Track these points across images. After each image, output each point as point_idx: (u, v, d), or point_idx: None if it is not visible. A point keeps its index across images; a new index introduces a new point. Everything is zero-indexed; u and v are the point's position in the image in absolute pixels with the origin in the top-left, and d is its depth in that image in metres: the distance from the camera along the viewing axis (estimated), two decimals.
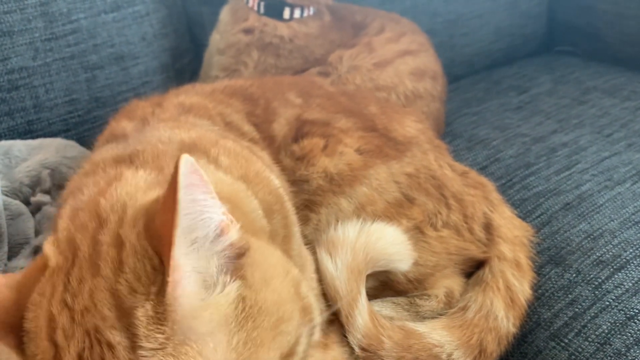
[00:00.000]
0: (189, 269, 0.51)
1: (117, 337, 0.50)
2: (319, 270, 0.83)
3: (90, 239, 0.56)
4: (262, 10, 1.39)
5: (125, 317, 0.50)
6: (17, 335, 0.56)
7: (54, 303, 0.54)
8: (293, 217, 0.81)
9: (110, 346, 0.50)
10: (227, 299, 0.53)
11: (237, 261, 0.55)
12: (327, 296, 0.82)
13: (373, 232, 0.84)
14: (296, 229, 0.81)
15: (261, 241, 0.61)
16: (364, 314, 0.80)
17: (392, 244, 0.85)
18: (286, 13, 1.38)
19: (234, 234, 0.54)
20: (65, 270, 0.56)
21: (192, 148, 0.77)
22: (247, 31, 1.38)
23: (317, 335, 0.63)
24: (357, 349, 0.80)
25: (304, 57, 1.39)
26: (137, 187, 0.62)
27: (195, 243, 0.51)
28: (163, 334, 0.50)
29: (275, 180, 0.81)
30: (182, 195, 0.48)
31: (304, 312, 0.59)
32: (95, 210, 0.59)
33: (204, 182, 0.51)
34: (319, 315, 0.63)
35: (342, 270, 0.81)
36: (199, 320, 0.51)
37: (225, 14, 1.45)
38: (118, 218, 0.56)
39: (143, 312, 0.50)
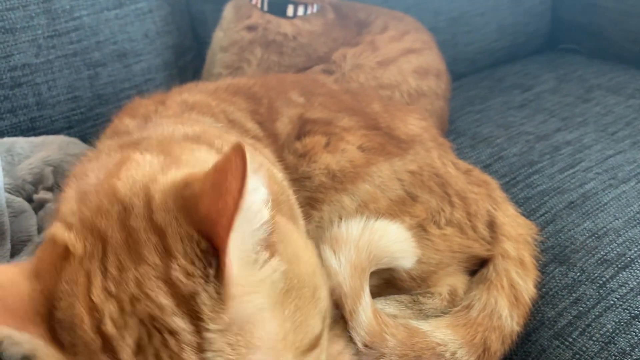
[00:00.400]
0: (238, 250, 0.52)
1: (180, 324, 0.51)
2: (322, 266, 0.83)
3: (119, 225, 0.56)
4: (265, 7, 1.38)
5: (186, 303, 0.51)
6: (50, 324, 0.54)
7: (94, 292, 0.53)
8: (298, 211, 0.82)
9: (174, 332, 0.51)
10: (274, 273, 0.55)
11: (270, 238, 0.56)
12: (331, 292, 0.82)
13: (376, 229, 0.84)
14: (301, 222, 0.82)
15: (281, 217, 0.63)
16: (367, 311, 0.80)
17: (395, 242, 0.85)
18: (290, 10, 1.38)
19: (267, 211, 0.55)
20: (98, 257, 0.55)
21: (196, 139, 0.77)
22: (251, 28, 1.38)
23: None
24: (360, 346, 0.80)
25: (307, 54, 1.39)
26: (154, 169, 0.62)
27: (244, 224, 0.52)
28: (228, 313, 0.51)
29: (279, 174, 0.82)
30: (247, 183, 0.49)
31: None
32: (113, 194, 0.58)
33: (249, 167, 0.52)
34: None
35: (345, 267, 0.81)
36: (256, 296, 0.53)
37: (228, 11, 1.45)
38: (144, 202, 0.56)
39: (207, 296, 0.51)
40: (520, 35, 1.87)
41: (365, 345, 0.80)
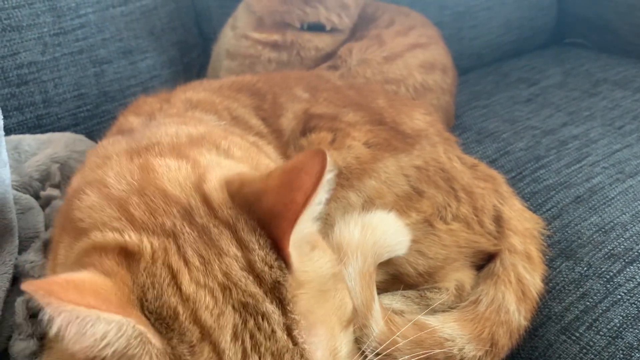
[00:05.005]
0: (297, 241, 0.60)
1: (270, 308, 0.57)
2: None
3: (187, 223, 0.61)
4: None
5: (272, 291, 0.58)
6: (143, 314, 0.57)
7: (184, 283, 0.57)
8: None
9: (266, 317, 0.57)
10: (319, 261, 0.64)
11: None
12: None
13: (376, 226, 0.83)
14: None
15: None
16: (378, 320, 0.79)
17: (393, 234, 0.85)
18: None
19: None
20: (173, 252, 0.59)
21: (201, 140, 0.77)
22: (276, 47, 1.35)
23: None
24: (370, 355, 0.78)
25: (316, 56, 1.38)
26: (188, 172, 0.67)
27: (307, 219, 0.60)
28: (306, 293, 0.59)
29: None
30: (323, 181, 0.57)
31: None
32: (164, 196, 0.63)
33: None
34: None
35: (355, 279, 0.79)
36: (313, 282, 0.61)
37: (241, 10, 1.42)
38: (201, 202, 0.62)
39: (287, 283, 0.58)
40: (527, 29, 1.87)
41: (377, 354, 0.79)
